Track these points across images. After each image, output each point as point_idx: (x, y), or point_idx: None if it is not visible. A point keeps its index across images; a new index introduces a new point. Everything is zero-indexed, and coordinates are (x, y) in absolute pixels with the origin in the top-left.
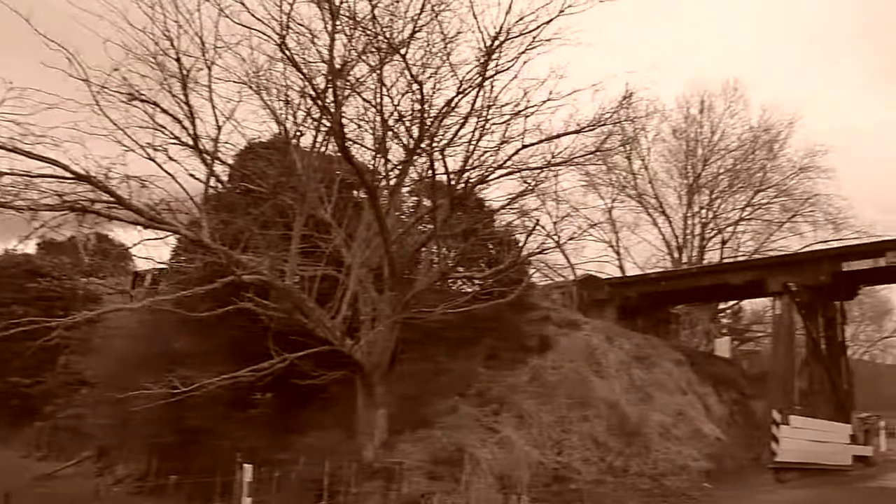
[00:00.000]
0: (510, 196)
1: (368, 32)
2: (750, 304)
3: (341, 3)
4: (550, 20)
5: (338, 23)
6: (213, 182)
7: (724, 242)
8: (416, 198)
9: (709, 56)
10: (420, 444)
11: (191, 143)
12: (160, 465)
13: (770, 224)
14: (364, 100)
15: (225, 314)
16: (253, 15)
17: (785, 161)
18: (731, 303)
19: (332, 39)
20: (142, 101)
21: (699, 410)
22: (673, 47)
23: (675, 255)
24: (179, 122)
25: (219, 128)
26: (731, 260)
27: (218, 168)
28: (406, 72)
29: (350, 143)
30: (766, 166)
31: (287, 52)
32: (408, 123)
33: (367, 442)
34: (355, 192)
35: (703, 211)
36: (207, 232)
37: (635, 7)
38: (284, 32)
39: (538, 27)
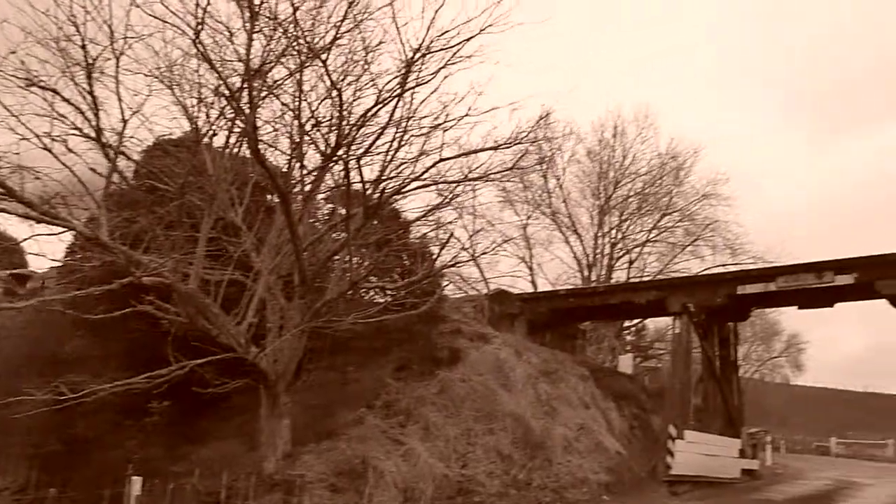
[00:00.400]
0: (426, 208)
1: (289, 35)
2: (653, 323)
3: (262, 3)
4: (471, 38)
5: (257, 23)
6: (115, 178)
7: (631, 262)
8: (331, 205)
9: (624, 84)
10: (324, 455)
11: (93, 135)
12: (42, 476)
13: (674, 247)
14: (282, 103)
15: (122, 317)
16: (167, 7)
17: (689, 187)
18: (636, 321)
19: (251, 39)
20: (41, 87)
21: (601, 424)
22: (592, 73)
23: (586, 272)
24: (82, 112)
25: (125, 121)
26: (637, 280)
27: (122, 163)
28: (326, 77)
29: (264, 145)
30: (673, 192)
31: (201, 48)
32: (325, 130)
33: (269, 453)
34: (269, 197)
35: (613, 231)
36: (106, 230)
37: (556, 32)
38: (199, 28)
39: (459, 44)
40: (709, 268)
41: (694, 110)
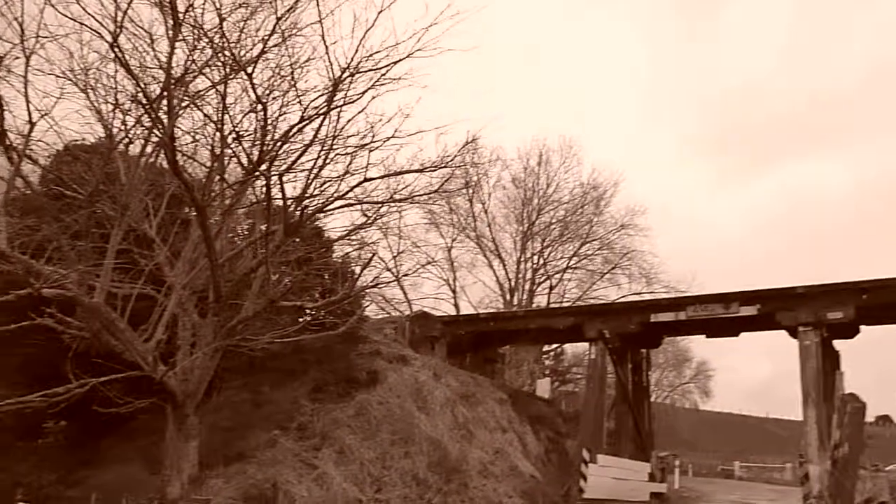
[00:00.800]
0: (350, 227)
1: (214, 45)
2: (572, 347)
3: (186, 10)
4: (399, 61)
5: (180, 31)
6: (19, 182)
7: (551, 288)
8: (251, 221)
9: (551, 114)
10: (233, 480)
11: None
12: None
13: (593, 274)
14: (204, 114)
15: (19, 330)
16: (84, 8)
17: (609, 217)
18: (555, 345)
19: (173, 47)
20: None
21: (517, 448)
22: (520, 101)
23: (508, 297)
24: None
25: (32, 123)
26: (556, 305)
27: (27, 168)
28: (251, 91)
29: (183, 156)
30: (593, 220)
31: (120, 52)
32: (248, 144)
33: (174, 477)
34: (186, 209)
35: (535, 257)
36: (5, 237)
37: (485, 60)
38: (118, 31)
39: (387, 66)
40: (625, 295)
41: (616, 143)
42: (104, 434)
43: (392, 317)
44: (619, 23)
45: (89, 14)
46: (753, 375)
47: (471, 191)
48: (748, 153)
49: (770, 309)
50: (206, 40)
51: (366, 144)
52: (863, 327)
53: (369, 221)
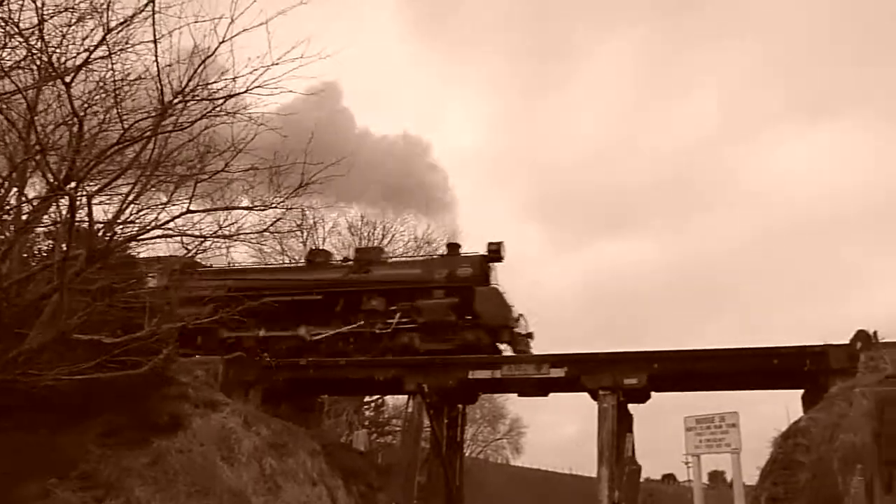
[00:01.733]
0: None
1: (29, 46)
2: (393, 399)
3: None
4: (235, 95)
5: None
6: None
7: None
8: (52, 242)
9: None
10: None
11: None
12: None
13: None
14: (7, 119)
15: None
16: None
17: None
18: (376, 397)
19: None
20: None
21: (325, 502)
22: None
23: None
24: None
25: None
26: (378, 357)
27: None
28: (67, 102)
29: None
30: None
31: None
32: (56, 158)
33: None
34: None
35: None
36: None
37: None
38: None
39: (224, 98)
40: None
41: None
42: None
43: (205, 358)
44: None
45: None
46: (562, 433)
47: (305, 233)
48: (580, 222)
49: (576, 372)
50: (21, 39)
51: (193, 175)
52: (654, 393)
53: (190, 255)
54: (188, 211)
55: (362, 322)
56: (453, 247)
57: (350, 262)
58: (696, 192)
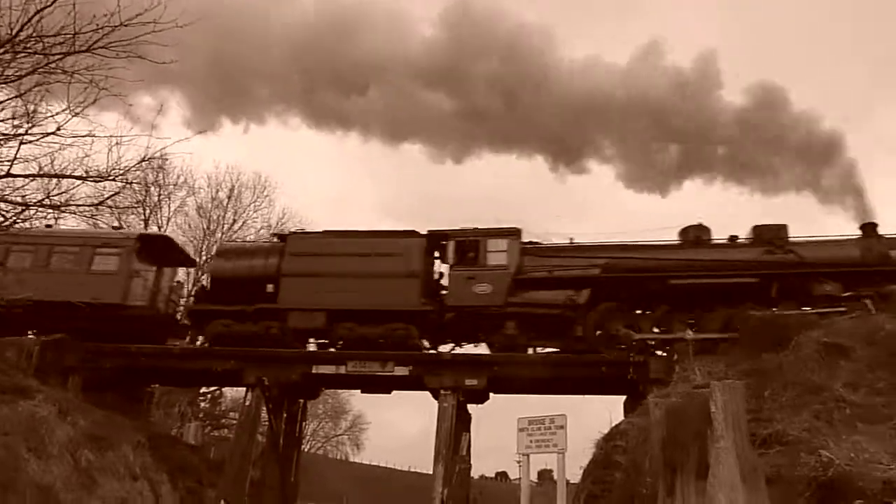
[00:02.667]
0: None
1: None
2: (232, 392)
3: None
4: (75, 53)
5: None
6: None
7: None
8: None
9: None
10: None
11: None
12: None
13: None
14: None
15: None
16: None
17: None
18: (213, 388)
19: None
20: None
21: (148, 499)
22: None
23: None
24: None
25: None
26: (219, 347)
27: None
28: None
29: None
30: None
31: None
32: None
33: None
34: None
35: None
36: None
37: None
38: None
39: (60, 55)
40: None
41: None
42: None
43: (18, 338)
44: None
45: None
46: (408, 431)
47: (147, 211)
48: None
49: (420, 371)
50: None
51: (19, 135)
52: (492, 395)
53: (7, 223)
54: (8, 174)
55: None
56: (870, 226)
57: (746, 241)
58: None
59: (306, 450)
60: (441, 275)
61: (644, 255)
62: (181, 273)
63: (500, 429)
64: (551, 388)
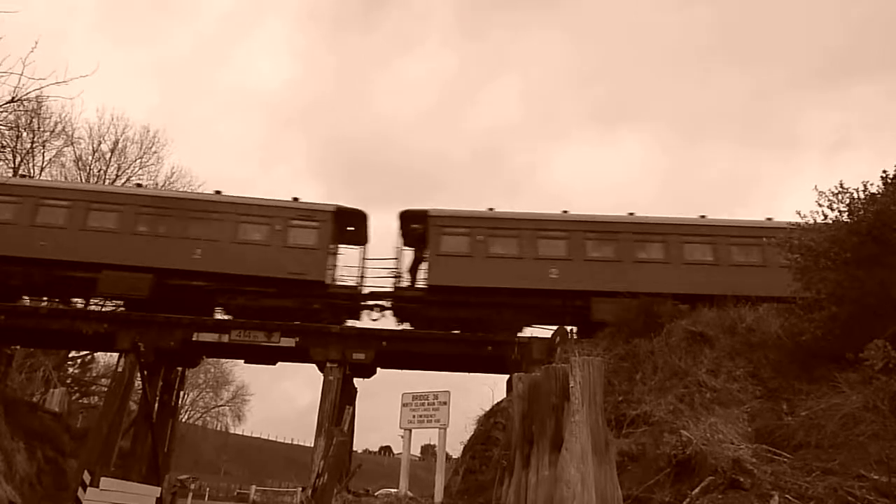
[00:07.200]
0: None
1: None
2: (105, 357)
3: None
4: None
5: None
6: None
7: None
8: None
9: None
10: None
11: None
12: None
13: None
14: None
15: None
16: None
17: None
18: (84, 352)
19: None
20: None
21: None
22: (115, 78)
23: None
24: None
25: None
26: (90, 307)
27: None
28: None
29: None
30: None
31: None
32: None
33: None
34: None
35: None
36: None
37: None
38: None
39: None
40: None
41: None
42: None
43: None
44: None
45: None
46: (298, 404)
47: (17, 158)
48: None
49: (306, 344)
50: None
51: None
52: (379, 369)
53: None
54: None
55: None
56: None
57: None
58: None
59: (183, 420)
60: None
61: None
62: None
63: (388, 403)
64: (439, 364)
